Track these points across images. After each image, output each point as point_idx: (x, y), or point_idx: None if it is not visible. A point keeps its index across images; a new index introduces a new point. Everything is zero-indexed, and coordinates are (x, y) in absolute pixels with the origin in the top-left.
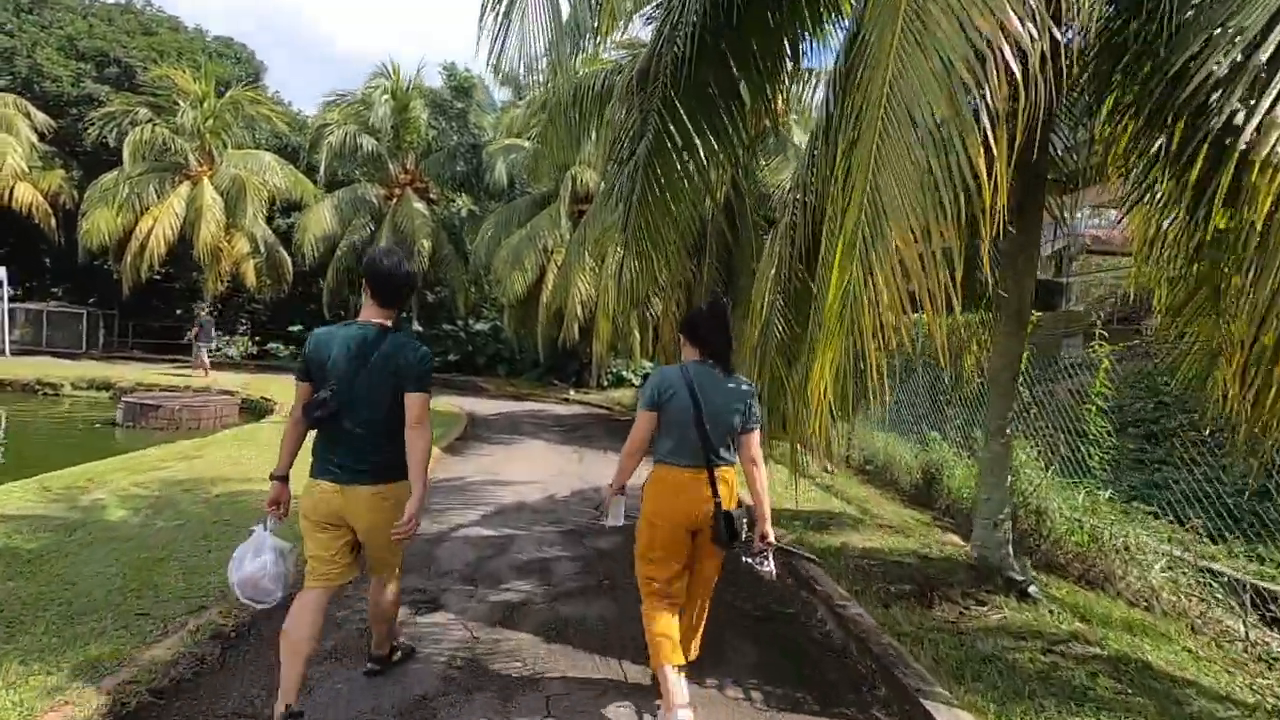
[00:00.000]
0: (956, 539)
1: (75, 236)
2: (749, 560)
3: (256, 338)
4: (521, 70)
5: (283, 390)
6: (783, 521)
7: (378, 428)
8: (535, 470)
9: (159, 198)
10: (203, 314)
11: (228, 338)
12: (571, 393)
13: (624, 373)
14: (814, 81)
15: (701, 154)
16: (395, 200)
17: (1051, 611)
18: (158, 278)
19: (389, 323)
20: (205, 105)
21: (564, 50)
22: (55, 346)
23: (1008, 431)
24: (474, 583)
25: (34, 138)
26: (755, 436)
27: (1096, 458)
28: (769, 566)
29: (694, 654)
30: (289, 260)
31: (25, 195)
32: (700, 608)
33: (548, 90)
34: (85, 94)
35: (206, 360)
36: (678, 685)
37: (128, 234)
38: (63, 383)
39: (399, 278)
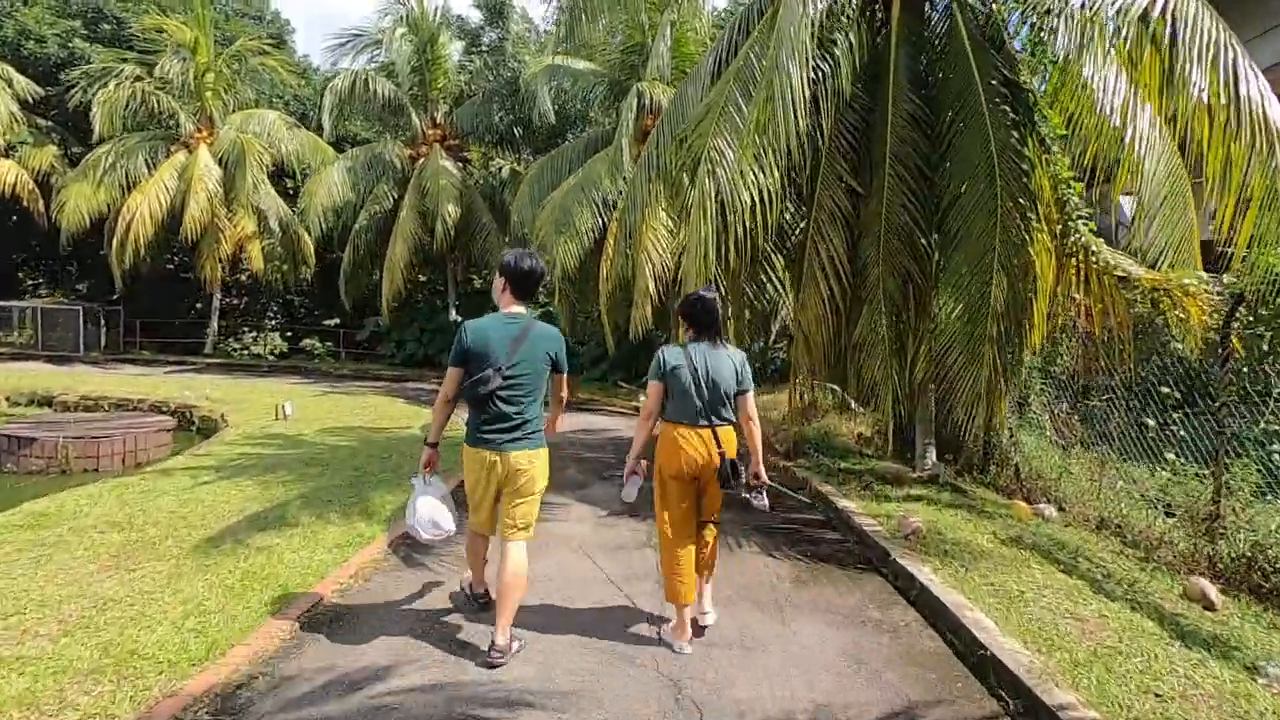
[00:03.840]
0: None
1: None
2: (747, 496)
3: (288, 334)
4: None
5: (260, 398)
6: None
7: (528, 403)
8: (550, 647)
9: (150, 170)
10: None
11: (254, 334)
12: (643, 397)
13: None
14: None
15: None
16: (422, 161)
17: None
18: (170, 266)
19: (524, 311)
20: (199, 57)
21: None
22: (53, 349)
23: None
24: None
25: (15, 107)
26: (750, 397)
27: None
28: (763, 500)
29: (711, 571)
30: (310, 242)
31: (7, 174)
32: (711, 538)
33: None
34: (75, 55)
35: None
36: (684, 621)
37: (114, 214)
38: None
39: (535, 275)
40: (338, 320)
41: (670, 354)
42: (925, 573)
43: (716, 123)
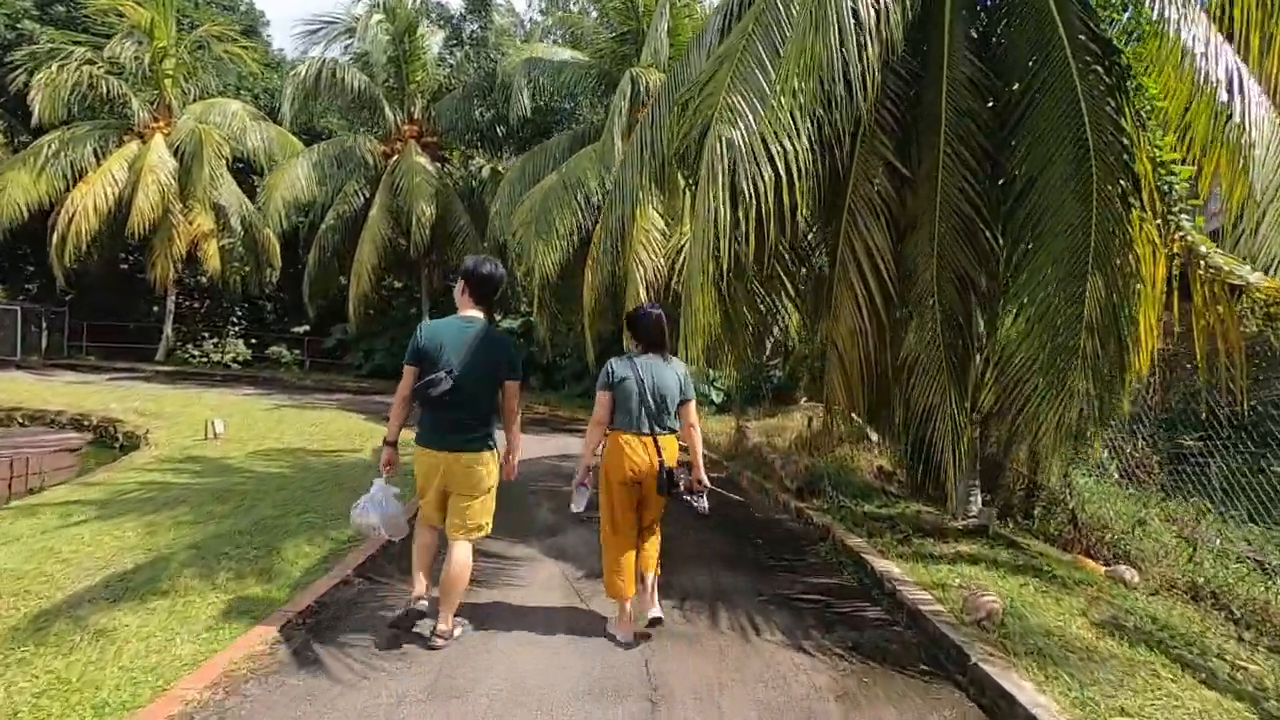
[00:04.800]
0: None
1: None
2: (687, 499)
3: (252, 341)
4: None
5: (200, 411)
6: None
7: (478, 405)
8: None
9: (99, 160)
10: None
11: (214, 340)
12: None
13: (702, 386)
14: None
15: None
16: (396, 158)
17: None
18: (124, 266)
19: (481, 316)
20: (157, 40)
21: None
22: None
23: None
24: None
25: None
26: (692, 405)
27: None
28: (703, 503)
29: (655, 571)
30: (276, 243)
31: None
32: (651, 541)
33: None
34: (24, 37)
35: None
36: (627, 614)
37: (56, 207)
38: None
39: (494, 280)
40: (307, 327)
41: (618, 365)
42: (1027, 691)
43: (732, 76)
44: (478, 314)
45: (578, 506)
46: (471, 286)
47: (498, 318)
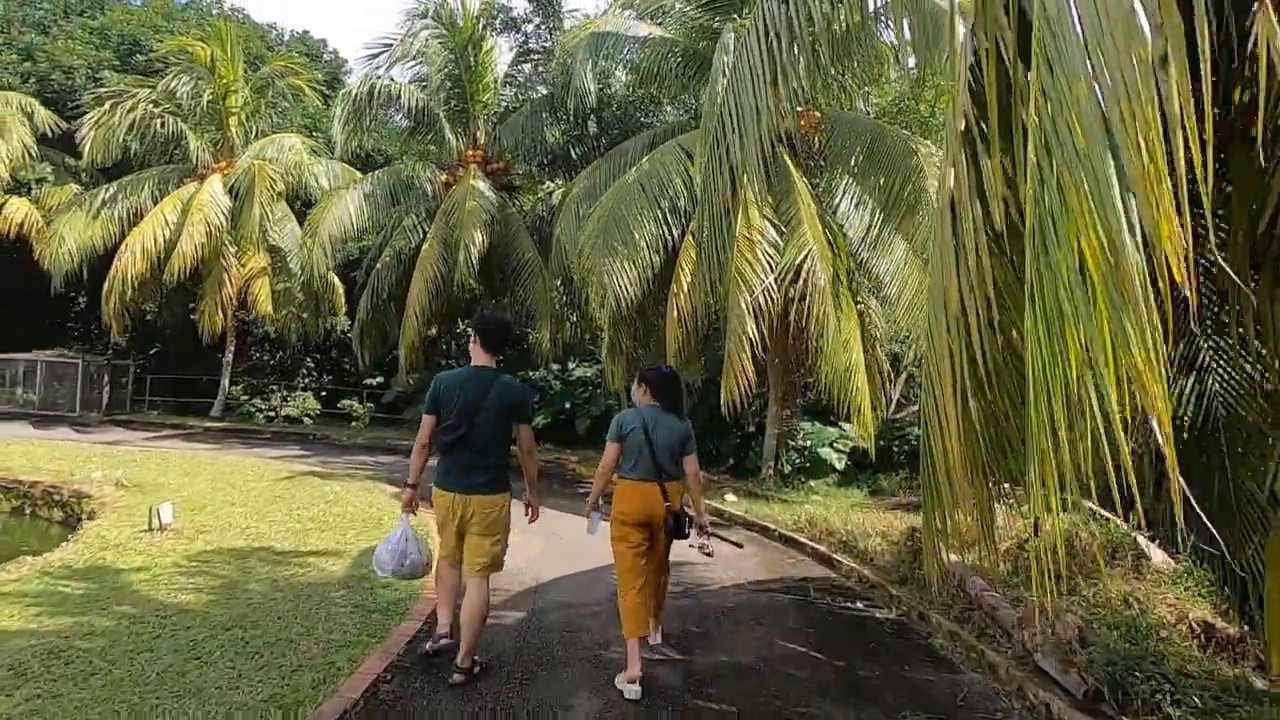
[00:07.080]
0: None
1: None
2: (694, 545)
3: (323, 393)
4: None
5: (198, 485)
6: None
7: (491, 450)
8: None
9: (156, 204)
10: None
11: (284, 394)
12: (729, 496)
13: (821, 449)
14: None
15: None
16: (456, 185)
17: None
18: (193, 317)
19: (494, 365)
20: (221, 77)
21: None
22: (54, 407)
23: None
24: None
25: (30, 141)
26: (693, 458)
27: None
28: (710, 546)
29: (656, 635)
30: (339, 286)
31: (16, 213)
32: (659, 586)
33: None
34: (104, 87)
35: None
36: (636, 656)
37: (112, 253)
38: None
39: (500, 331)
40: (381, 379)
41: (628, 418)
42: None
43: None
44: (489, 364)
45: (593, 531)
46: (482, 338)
47: (570, 365)
